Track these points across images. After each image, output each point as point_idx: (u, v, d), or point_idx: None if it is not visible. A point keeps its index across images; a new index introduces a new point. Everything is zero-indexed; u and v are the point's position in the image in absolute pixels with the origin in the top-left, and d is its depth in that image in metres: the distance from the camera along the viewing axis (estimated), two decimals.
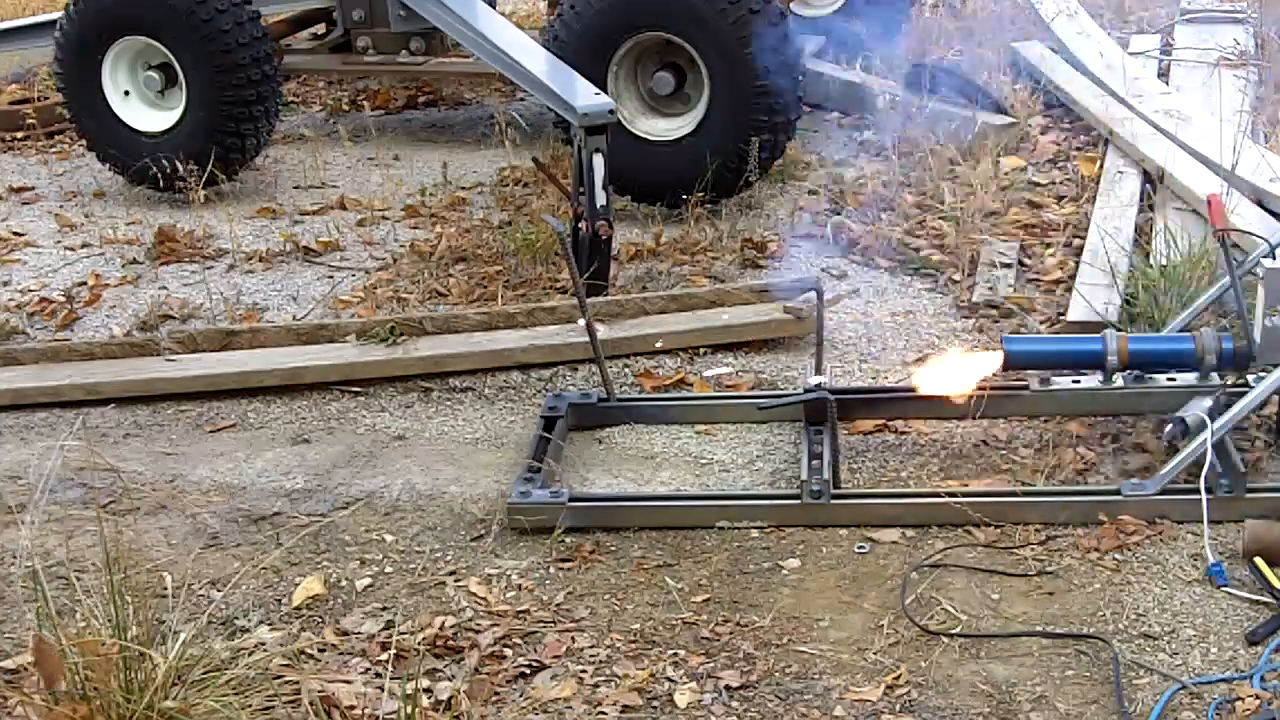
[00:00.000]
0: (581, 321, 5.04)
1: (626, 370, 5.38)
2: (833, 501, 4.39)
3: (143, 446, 5.07)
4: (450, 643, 3.87)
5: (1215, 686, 3.61)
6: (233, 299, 6.11)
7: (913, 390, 4.91)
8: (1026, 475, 4.59)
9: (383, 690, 3.59)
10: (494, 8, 7.43)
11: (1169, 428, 4.48)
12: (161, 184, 7.12)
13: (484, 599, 4.07)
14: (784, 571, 4.19)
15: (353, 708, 3.56)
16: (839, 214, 6.71)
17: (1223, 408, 4.45)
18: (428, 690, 3.66)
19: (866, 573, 4.17)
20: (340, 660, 3.82)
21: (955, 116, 7.38)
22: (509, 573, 4.22)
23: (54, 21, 7.54)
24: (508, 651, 3.85)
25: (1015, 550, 4.22)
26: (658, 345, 5.44)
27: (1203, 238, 5.66)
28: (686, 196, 6.56)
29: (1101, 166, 7.02)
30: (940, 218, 6.55)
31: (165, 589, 3.68)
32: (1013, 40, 8.76)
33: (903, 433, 4.93)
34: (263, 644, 3.83)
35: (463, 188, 7.34)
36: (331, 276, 6.38)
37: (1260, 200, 6.17)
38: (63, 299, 6.20)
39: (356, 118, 7.94)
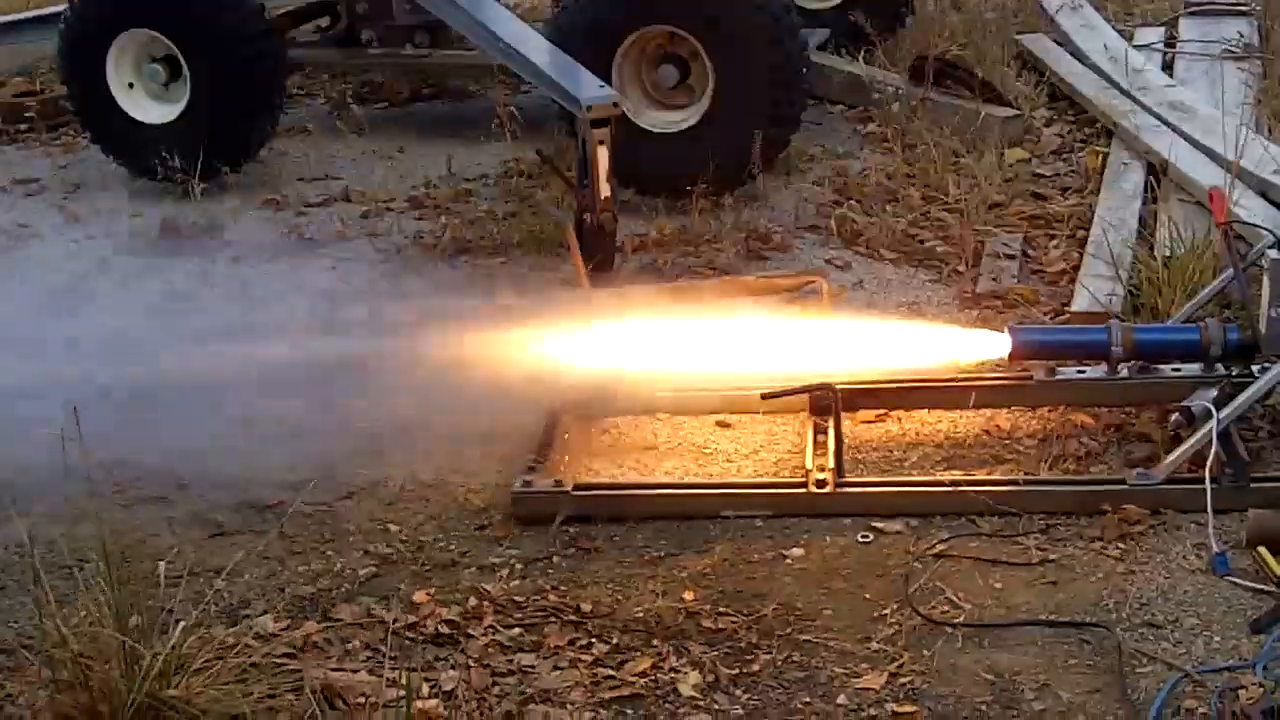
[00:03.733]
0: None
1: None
2: (836, 491, 4.38)
3: (147, 436, 5.04)
4: (453, 631, 3.87)
5: (1218, 675, 3.60)
6: (237, 292, 6.10)
7: (917, 380, 4.92)
8: (1030, 465, 4.58)
9: (385, 679, 3.58)
10: (498, 0, 7.42)
11: (1174, 418, 4.48)
12: (165, 176, 7.12)
13: (487, 588, 4.07)
14: (787, 560, 4.18)
15: (355, 696, 3.55)
16: (842, 206, 6.71)
17: (1227, 398, 4.44)
18: (431, 679, 3.66)
19: (870, 562, 4.16)
20: (343, 649, 3.82)
21: (959, 109, 7.37)
22: (512, 562, 4.22)
23: (58, 14, 7.54)
24: (511, 641, 3.85)
25: (1019, 539, 4.22)
26: None
27: (1206, 229, 5.66)
28: (690, 188, 6.55)
29: (1105, 159, 7.02)
30: (944, 209, 6.54)
31: (167, 578, 3.67)
32: (1017, 32, 8.75)
33: (906, 422, 4.92)
34: (265, 633, 3.83)
35: (467, 180, 7.34)
36: (336, 268, 6.37)
37: (1264, 192, 6.16)
38: (68, 291, 6.19)
39: (361, 111, 7.94)
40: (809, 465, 4.47)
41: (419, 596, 4.04)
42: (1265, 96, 7.59)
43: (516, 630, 3.89)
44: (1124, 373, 4.81)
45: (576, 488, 4.45)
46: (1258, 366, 4.62)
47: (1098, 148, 7.20)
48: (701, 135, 6.65)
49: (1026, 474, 4.52)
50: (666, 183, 6.68)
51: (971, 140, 7.12)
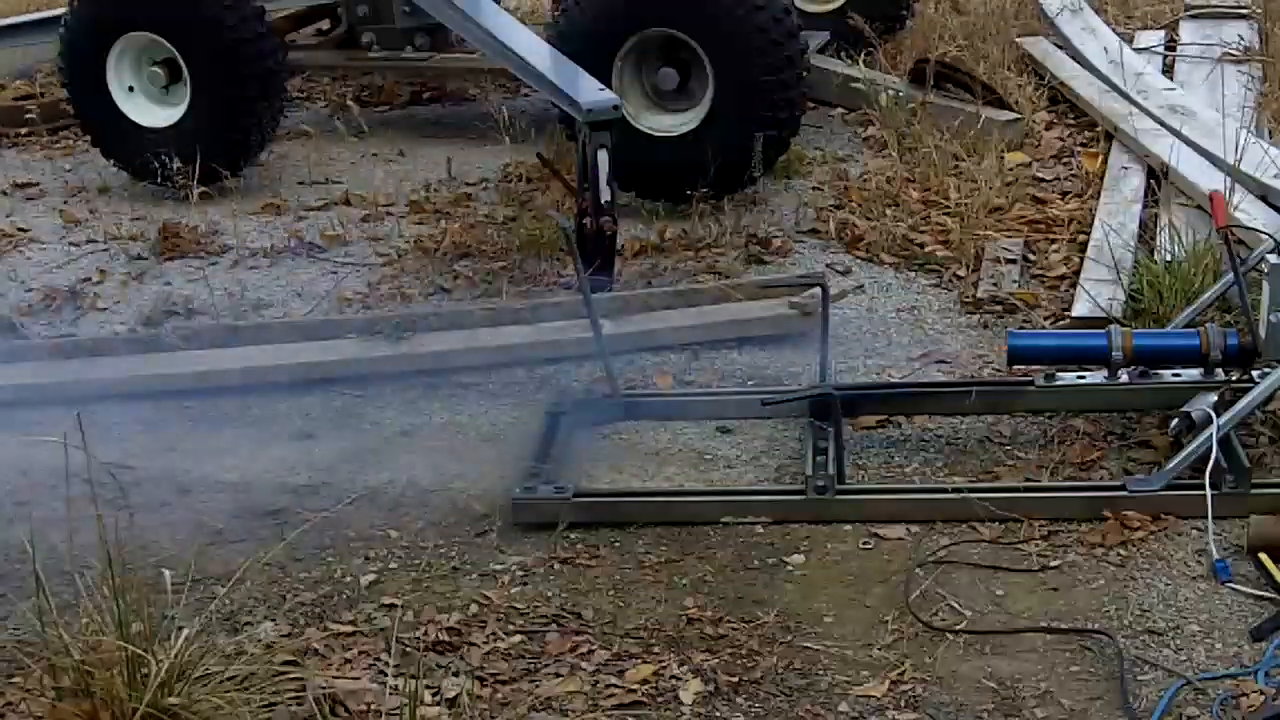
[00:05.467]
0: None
1: (631, 366, 5.38)
2: (837, 497, 4.39)
3: (147, 442, 5.06)
4: (455, 639, 3.87)
5: (1220, 682, 3.61)
6: (237, 295, 6.11)
7: (917, 385, 4.93)
8: (1031, 471, 4.58)
9: (388, 687, 3.58)
10: (499, 3, 7.42)
11: (1174, 423, 4.48)
12: (165, 180, 7.12)
13: (488, 595, 4.07)
14: (788, 567, 4.18)
15: (358, 704, 3.55)
16: (843, 210, 6.72)
17: (1228, 403, 4.44)
18: (432, 687, 3.66)
19: (871, 568, 4.17)
20: (344, 656, 3.81)
21: (959, 112, 7.37)
22: (513, 568, 4.22)
23: (58, 18, 7.54)
24: (512, 648, 3.85)
25: (1020, 546, 4.22)
26: None
27: (1207, 234, 5.65)
28: (690, 192, 6.55)
29: (1106, 162, 7.02)
30: (945, 214, 6.54)
31: (168, 585, 3.67)
32: (1017, 35, 8.75)
33: (907, 428, 4.93)
34: (267, 640, 3.82)
35: (467, 183, 7.34)
36: (336, 272, 6.38)
37: (1264, 196, 6.16)
38: (67, 294, 6.20)
39: (361, 114, 7.94)
40: (809, 471, 4.47)
41: (420, 603, 4.04)
42: (1265, 100, 7.59)
43: (518, 638, 3.89)
44: (1124, 378, 4.81)
45: (577, 494, 4.45)
46: (1258, 371, 4.61)
47: (1096, 151, 7.20)
48: (702, 139, 6.64)
49: (1027, 480, 4.52)
50: (667, 186, 6.68)
51: (972, 144, 7.12)
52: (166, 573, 3.65)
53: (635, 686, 3.69)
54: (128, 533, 3.63)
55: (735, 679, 3.70)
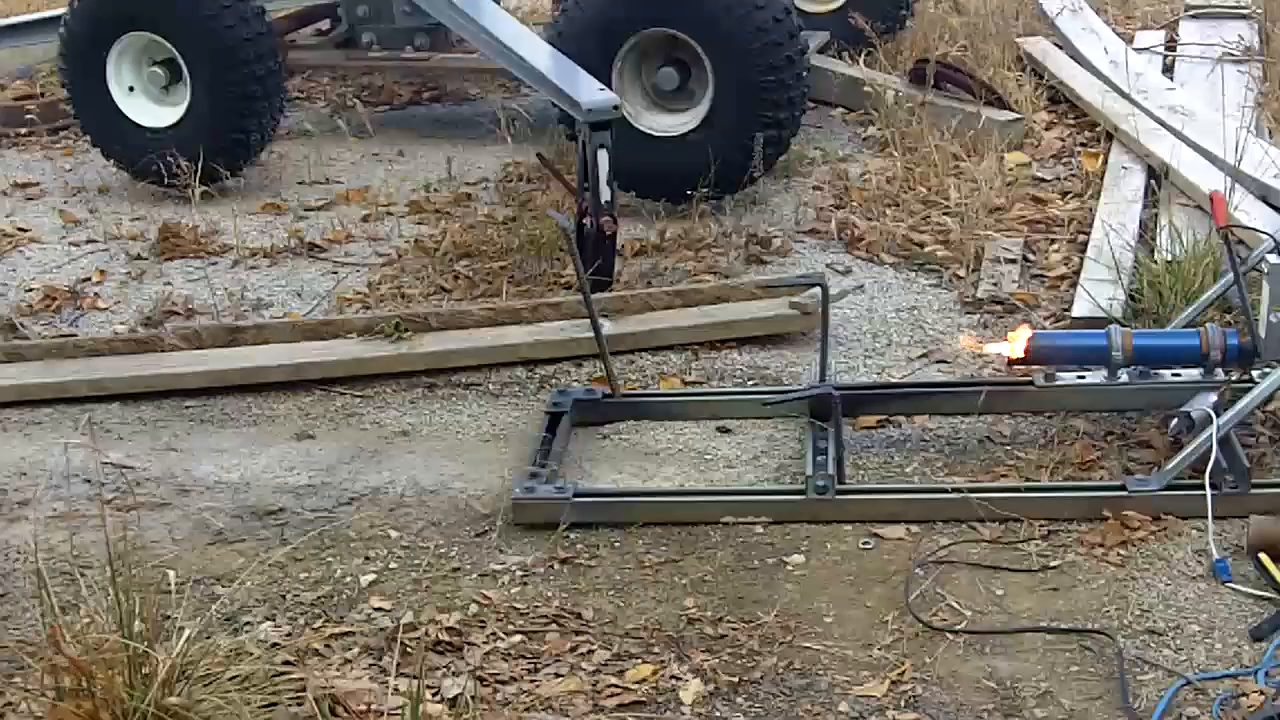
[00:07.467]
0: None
1: (631, 366, 5.39)
2: (837, 497, 4.39)
3: (147, 443, 5.06)
4: (455, 639, 3.88)
5: (1220, 682, 3.61)
6: (237, 295, 6.11)
7: (917, 385, 4.93)
8: (1031, 471, 4.58)
9: (387, 687, 3.59)
10: (499, 3, 7.43)
11: (1174, 423, 4.48)
12: (165, 180, 7.12)
13: (488, 595, 4.07)
14: (788, 567, 4.19)
15: (358, 704, 3.55)
16: (843, 210, 6.72)
17: (1228, 403, 4.44)
18: (432, 687, 3.66)
19: (871, 568, 4.17)
20: (344, 657, 3.82)
21: (959, 112, 7.37)
22: (513, 568, 4.22)
23: (58, 18, 7.54)
24: (512, 648, 3.85)
25: (1020, 546, 4.22)
26: None
27: (1207, 233, 5.66)
28: (691, 192, 6.55)
29: (1106, 162, 7.02)
30: (945, 213, 6.54)
31: (169, 585, 3.68)
32: (1017, 35, 8.75)
33: (907, 428, 4.93)
34: (267, 640, 3.83)
35: (467, 183, 7.33)
36: (336, 272, 6.38)
37: (1264, 196, 6.16)
38: (67, 294, 6.20)
39: (361, 113, 7.94)
40: (809, 471, 4.48)
41: (420, 603, 4.04)
42: (1266, 99, 7.59)
43: (518, 638, 3.89)
44: (1124, 378, 4.80)
45: (578, 494, 4.45)
46: (1258, 372, 4.61)
47: (1096, 151, 7.20)
48: (702, 139, 6.64)
49: (1027, 480, 4.52)
50: (667, 186, 6.68)
51: (972, 144, 7.12)
52: (170, 573, 3.66)
53: (635, 686, 3.69)
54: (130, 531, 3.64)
55: (735, 679, 3.71)
